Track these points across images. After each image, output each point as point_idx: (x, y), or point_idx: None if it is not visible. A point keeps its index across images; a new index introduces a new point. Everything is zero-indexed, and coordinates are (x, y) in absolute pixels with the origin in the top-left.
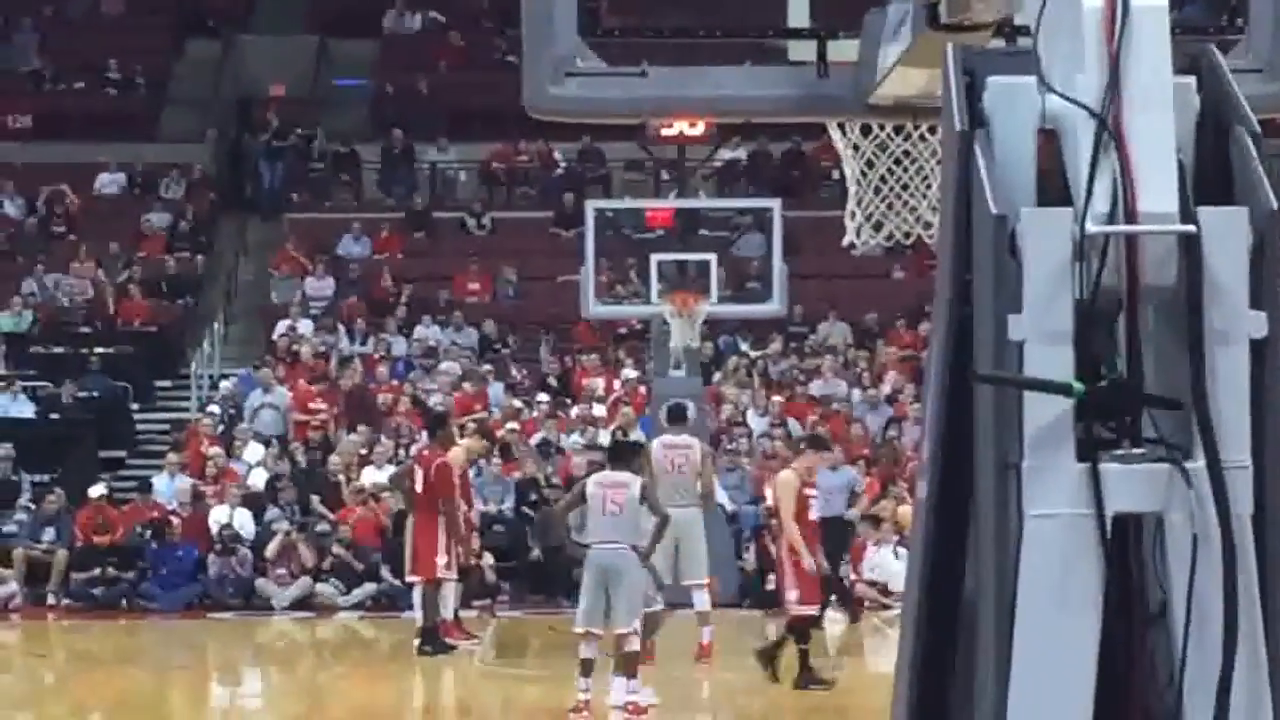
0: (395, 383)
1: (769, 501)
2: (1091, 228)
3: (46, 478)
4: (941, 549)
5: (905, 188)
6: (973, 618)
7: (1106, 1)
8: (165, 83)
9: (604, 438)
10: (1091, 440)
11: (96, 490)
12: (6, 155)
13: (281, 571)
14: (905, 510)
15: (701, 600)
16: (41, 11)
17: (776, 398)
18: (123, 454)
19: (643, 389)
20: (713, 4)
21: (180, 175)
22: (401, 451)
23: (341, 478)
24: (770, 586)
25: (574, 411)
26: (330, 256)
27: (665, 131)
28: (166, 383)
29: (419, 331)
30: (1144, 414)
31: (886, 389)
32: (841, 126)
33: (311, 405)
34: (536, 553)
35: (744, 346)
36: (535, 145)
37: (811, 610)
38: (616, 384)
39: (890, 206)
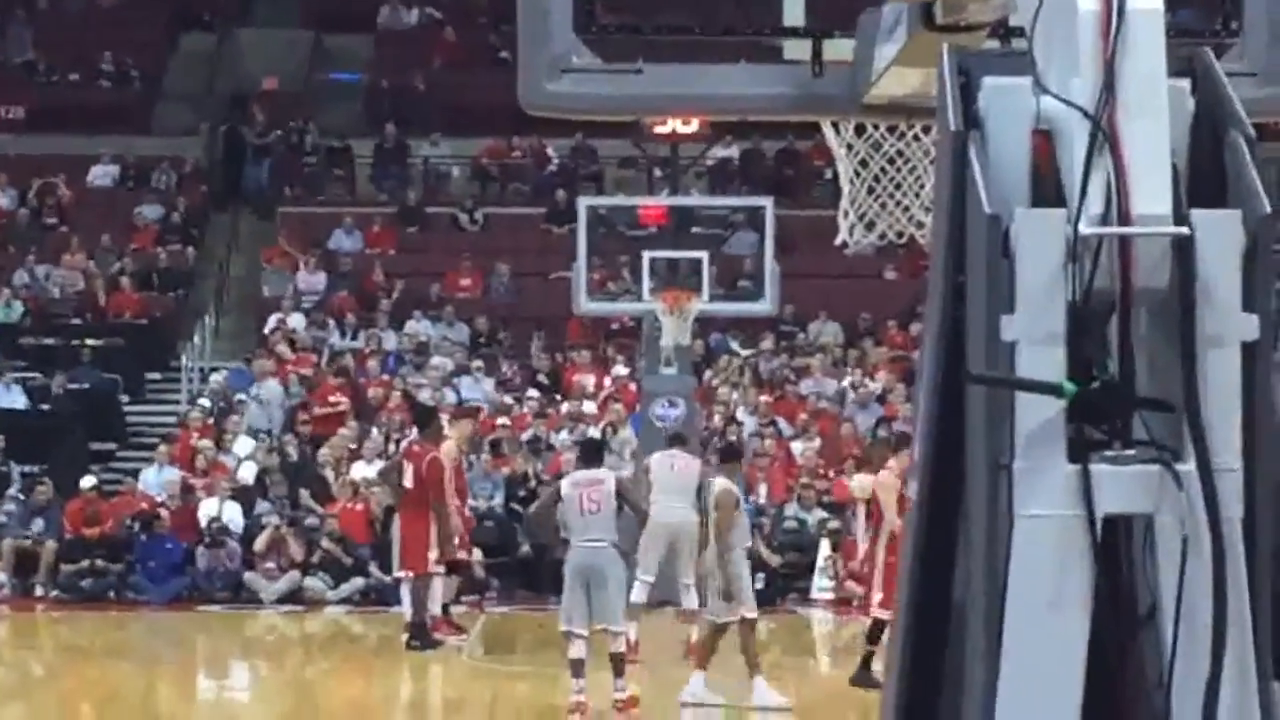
0: (385, 377)
1: (858, 500)
2: (1085, 229)
3: (36, 469)
4: (932, 548)
5: (898, 187)
6: (962, 617)
7: (1102, 4)
8: (159, 76)
9: (595, 434)
10: (1083, 441)
11: (86, 482)
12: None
13: (270, 565)
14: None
15: (690, 599)
16: (36, 3)
17: (766, 397)
18: (113, 446)
19: (633, 386)
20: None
21: (173, 168)
22: (391, 446)
23: (331, 472)
24: (759, 586)
25: (564, 408)
26: (322, 251)
27: (659, 129)
28: (157, 375)
29: (410, 326)
30: (1135, 416)
31: (877, 388)
32: (835, 126)
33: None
34: (525, 548)
35: (735, 345)
36: (528, 141)
37: (888, 615)
38: (607, 381)
39: (884, 206)
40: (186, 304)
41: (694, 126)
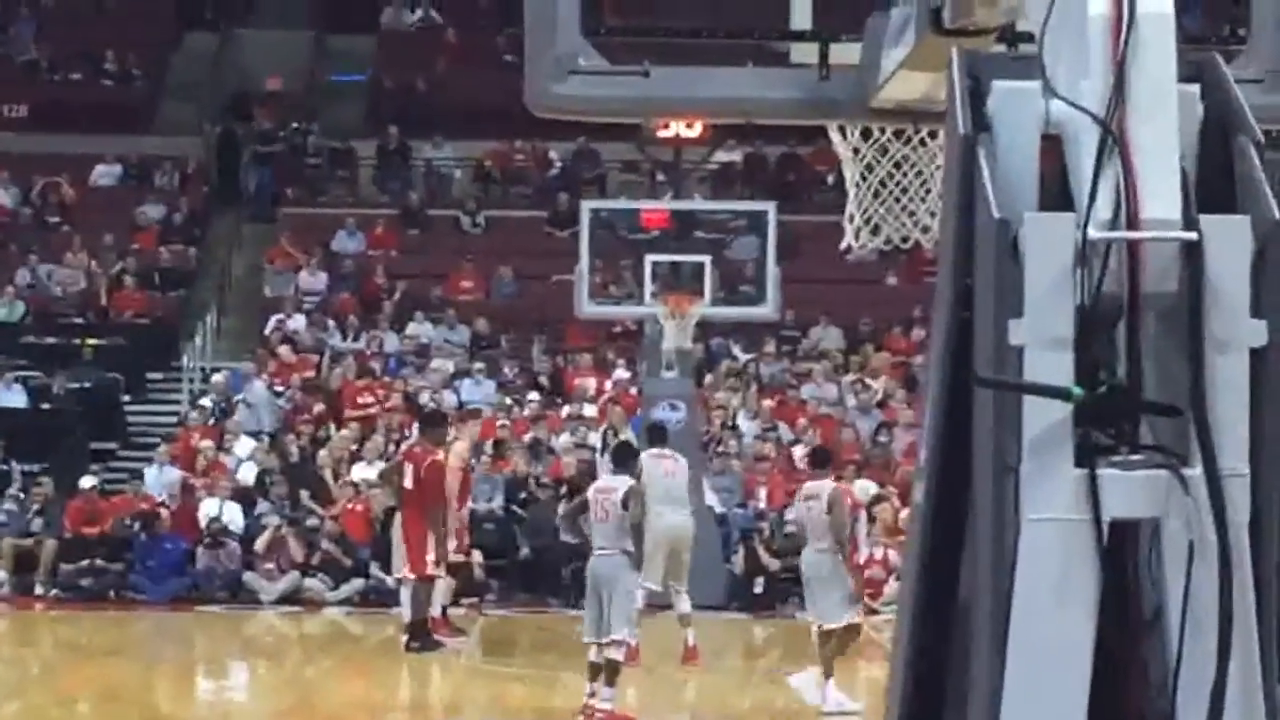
0: (386, 379)
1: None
2: (1094, 234)
3: (37, 468)
4: (938, 551)
5: (905, 191)
6: (968, 620)
7: (1112, 8)
8: (162, 75)
9: (594, 438)
10: (1090, 446)
11: (87, 481)
12: (2, 145)
13: (270, 565)
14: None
15: (685, 604)
16: (40, 2)
17: (767, 401)
18: (114, 446)
19: (634, 390)
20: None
21: (175, 168)
22: (392, 448)
23: (330, 473)
24: (758, 590)
25: (565, 411)
26: (324, 252)
27: (661, 133)
28: (158, 375)
29: (411, 328)
30: (1143, 420)
31: (878, 393)
32: (842, 129)
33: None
34: (525, 551)
35: (736, 349)
36: (531, 144)
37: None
38: (608, 384)
39: (889, 210)
40: (188, 304)
41: (697, 131)
